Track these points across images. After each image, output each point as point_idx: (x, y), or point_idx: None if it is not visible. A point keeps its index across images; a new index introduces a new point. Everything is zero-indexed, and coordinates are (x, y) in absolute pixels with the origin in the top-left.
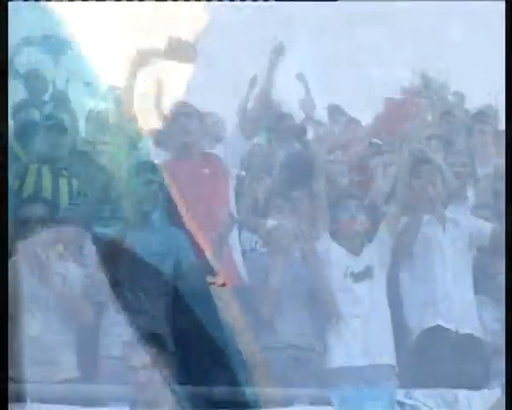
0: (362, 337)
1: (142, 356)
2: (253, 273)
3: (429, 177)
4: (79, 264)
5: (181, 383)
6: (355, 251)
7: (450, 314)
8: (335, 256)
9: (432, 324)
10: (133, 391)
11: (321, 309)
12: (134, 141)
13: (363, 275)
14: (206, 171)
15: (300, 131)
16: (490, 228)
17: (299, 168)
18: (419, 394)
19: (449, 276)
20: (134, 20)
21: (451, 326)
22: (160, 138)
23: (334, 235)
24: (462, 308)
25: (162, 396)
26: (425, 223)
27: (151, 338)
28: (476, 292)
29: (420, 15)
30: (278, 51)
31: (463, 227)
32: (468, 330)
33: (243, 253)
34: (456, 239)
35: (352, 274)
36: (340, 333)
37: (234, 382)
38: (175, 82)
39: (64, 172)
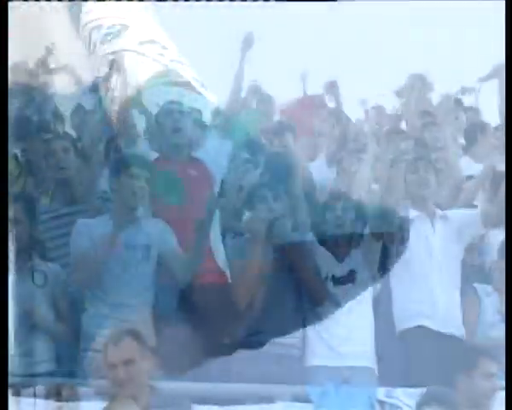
0: (343, 339)
1: (121, 352)
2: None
3: (424, 173)
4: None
5: (163, 379)
6: (340, 256)
7: (435, 314)
8: (320, 260)
9: (415, 323)
10: (112, 387)
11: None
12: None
13: (346, 279)
14: (193, 172)
15: (279, 131)
16: (479, 217)
17: (279, 169)
18: (399, 393)
19: (436, 274)
20: None
21: (434, 326)
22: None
23: (320, 238)
24: (448, 308)
25: (142, 392)
26: (414, 219)
27: (130, 334)
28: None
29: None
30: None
31: (452, 222)
32: (451, 330)
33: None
34: (445, 235)
35: (334, 278)
36: (321, 334)
37: (216, 378)
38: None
39: None
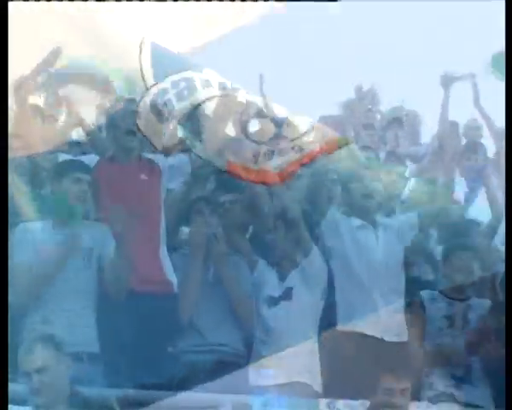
0: (281, 355)
1: (34, 360)
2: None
3: (370, 183)
4: None
5: (106, 385)
6: (282, 274)
7: (377, 322)
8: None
9: (356, 331)
10: (30, 395)
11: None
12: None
13: (282, 298)
14: (143, 177)
15: None
16: (416, 220)
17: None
18: (341, 404)
19: (379, 282)
20: None
21: (377, 334)
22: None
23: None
24: (390, 315)
25: (61, 399)
26: (358, 228)
27: (43, 341)
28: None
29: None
30: None
31: (393, 228)
32: (394, 339)
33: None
34: (387, 242)
35: (270, 299)
36: (259, 350)
37: (158, 386)
38: None
39: None
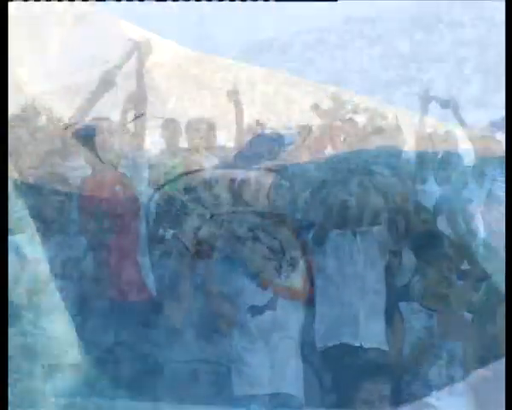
0: (266, 366)
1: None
2: (162, 284)
3: (347, 197)
4: None
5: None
6: (263, 285)
7: (358, 331)
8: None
9: (337, 342)
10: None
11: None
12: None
13: (266, 307)
14: (117, 188)
15: None
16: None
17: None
18: None
19: (360, 291)
20: None
21: (357, 344)
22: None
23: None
24: (371, 325)
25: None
26: (338, 237)
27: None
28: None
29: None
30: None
31: (373, 236)
32: (374, 345)
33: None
34: (367, 248)
35: (253, 308)
36: (243, 360)
37: (138, 396)
38: None
39: None
